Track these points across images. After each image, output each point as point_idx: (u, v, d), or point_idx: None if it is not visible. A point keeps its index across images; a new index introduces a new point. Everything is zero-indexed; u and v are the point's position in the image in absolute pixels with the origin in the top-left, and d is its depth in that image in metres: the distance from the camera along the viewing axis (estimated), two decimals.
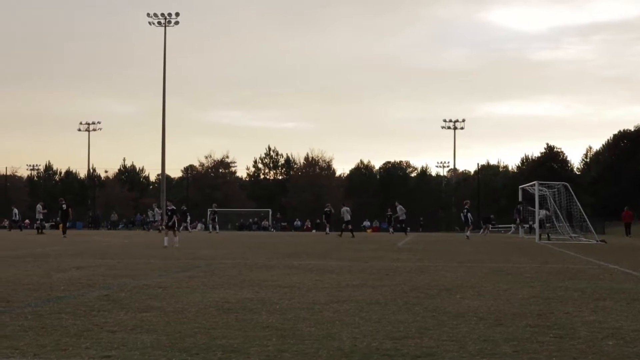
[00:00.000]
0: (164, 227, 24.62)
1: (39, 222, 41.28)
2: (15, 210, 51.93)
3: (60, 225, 40.67)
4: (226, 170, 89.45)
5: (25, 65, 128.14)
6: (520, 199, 40.11)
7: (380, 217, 74.50)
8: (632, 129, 78.60)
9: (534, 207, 34.23)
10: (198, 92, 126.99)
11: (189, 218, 63.03)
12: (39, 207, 41.48)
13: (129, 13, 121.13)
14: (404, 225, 43.97)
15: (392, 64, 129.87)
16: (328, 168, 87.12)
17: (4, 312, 7.41)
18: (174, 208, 23.50)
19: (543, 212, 35.53)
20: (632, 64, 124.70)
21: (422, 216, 69.70)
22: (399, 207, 42.74)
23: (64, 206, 36.51)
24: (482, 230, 48.93)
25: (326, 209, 43.93)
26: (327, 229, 44.11)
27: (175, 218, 23.04)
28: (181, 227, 48.26)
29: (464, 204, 37.49)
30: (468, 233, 35.05)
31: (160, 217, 47.26)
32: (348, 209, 39.19)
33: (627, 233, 43.53)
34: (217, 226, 48.92)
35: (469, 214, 36.49)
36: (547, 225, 35.06)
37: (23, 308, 7.66)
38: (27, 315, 7.15)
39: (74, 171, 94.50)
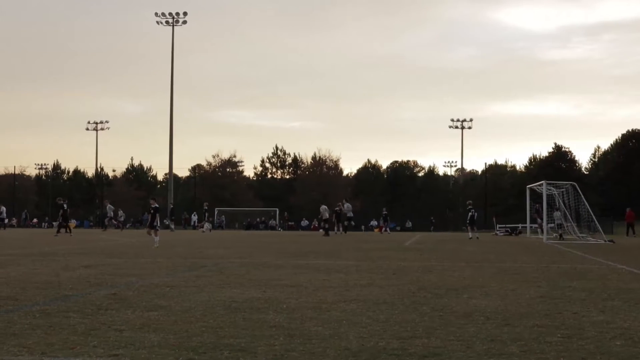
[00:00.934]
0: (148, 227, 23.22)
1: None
2: (3, 209, 51.03)
3: (71, 225, 40.85)
4: (233, 170, 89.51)
5: (33, 64, 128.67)
6: (528, 199, 39.99)
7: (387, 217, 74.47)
8: None
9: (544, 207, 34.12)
10: (206, 91, 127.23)
11: (195, 217, 63.20)
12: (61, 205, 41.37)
13: (137, 12, 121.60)
14: (351, 223, 43.07)
15: (400, 63, 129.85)
16: (335, 167, 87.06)
17: (12, 310, 7.44)
18: (157, 206, 22.63)
19: (559, 213, 35.91)
20: None
21: (433, 216, 69.59)
22: (347, 205, 42.16)
23: (65, 205, 36.48)
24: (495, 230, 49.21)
25: (337, 209, 44.34)
26: (340, 228, 44.14)
27: (157, 217, 22.12)
28: (173, 226, 48.08)
29: (468, 204, 36.98)
30: (477, 234, 34.84)
31: (113, 214, 46.37)
32: (326, 207, 40.42)
33: (628, 233, 43.34)
34: (208, 225, 48.53)
35: (476, 214, 36.13)
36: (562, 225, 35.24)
37: (31, 307, 7.69)
38: (35, 313, 7.18)
39: (81, 170, 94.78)
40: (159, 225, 22.47)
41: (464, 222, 71.46)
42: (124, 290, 9.39)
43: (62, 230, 35.48)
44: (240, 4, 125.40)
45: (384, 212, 48.32)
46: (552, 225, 36.66)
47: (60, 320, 6.77)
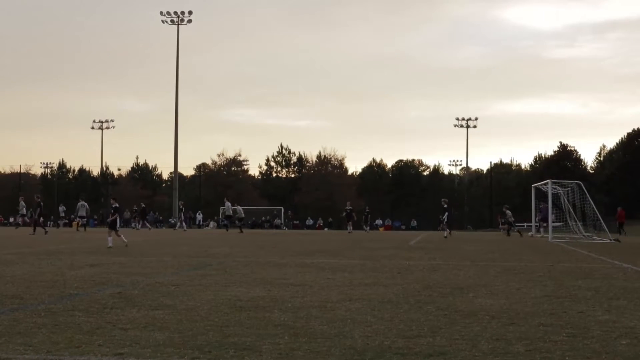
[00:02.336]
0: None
1: (83, 219, 41.30)
2: None
3: (76, 223, 40.76)
4: (238, 169, 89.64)
5: (39, 63, 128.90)
6: (533, 198, 39.94)
7: (392, 216, 74.50)
8: None
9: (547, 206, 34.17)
10: (211, 90, 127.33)
11: (200, 216, 63.14)
12: (81, 203, 41.36)
13: (142, 11, 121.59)
14: (224, 222, 44.46)
15: (405, 62, 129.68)
16: (340, 166, 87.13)
17: (17, 309, 7.46)
18: (117, 206, 21.79)
19: (509, 212, 38.95)
20: None
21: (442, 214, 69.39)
22: (228, 205, 43.79)
23: (42, 203, 36.21)
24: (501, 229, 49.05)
25: (347, 208, 44.67)
26: (349, 228, 44.18)
27: (117, 216, 21.22)
28: (140, 224, 47.63)
29: (443, 202, 35.64)
30: (446, 233, 34.49)
31: (25, 211, 44.78)
32: (229, 205, 43.03)
33: (621, 232, 43.20)
34: (185, 224, 48.25)
35: (446, 213, 34.80)
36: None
37: (36, 305, 7.70)
38: (41, 312, 7.19)
39: (87, 169, 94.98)
40: (119, 225, 21.46)
41: (469, 221, 71.57)
42: (129, 289, 9.40)
43: (38, 227, 34.52)
44: (245, 3, 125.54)
45: (366, 211, 47.91)
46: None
47: (66, 319, 6.79)
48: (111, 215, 21.56)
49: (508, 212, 39.84)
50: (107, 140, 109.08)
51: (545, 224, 39.25)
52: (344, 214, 45.87)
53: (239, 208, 44.62)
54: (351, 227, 44.01)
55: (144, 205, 50.14)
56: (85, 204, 41.12)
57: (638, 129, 79.32)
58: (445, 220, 34.86)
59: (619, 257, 17.58)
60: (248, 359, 5.13)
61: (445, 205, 35.02)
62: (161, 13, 69.93)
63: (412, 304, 8.09)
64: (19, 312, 7.20)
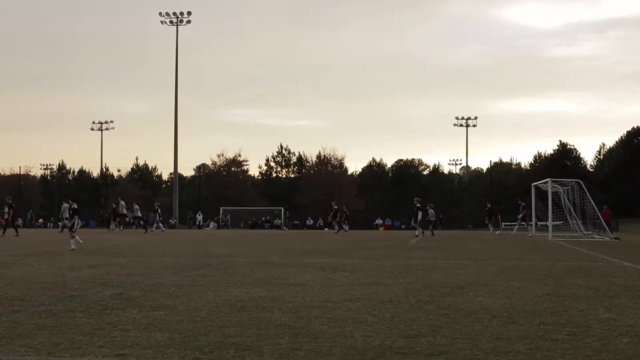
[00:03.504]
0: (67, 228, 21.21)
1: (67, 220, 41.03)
2: None
3: (70, 224, 40.36)
4: (238, 169, 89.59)
5: (38, 65, 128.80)
6: (533, 196, 39.92)
7: (392, 215, 74.51)
8: None
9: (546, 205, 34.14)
10: (210, 90, 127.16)
11: (200, 216, 62.97)
12: (65, 205, 41.01)
13: (141, 12, 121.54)
14: (126, 220, 45.83)
15: (405, 61, 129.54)
16: (340, 166, 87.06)
17: (18, 310, 7.46)
18: (76, 207, 21.58)
19: (432, 211, 38.89)
20: None
21: (442, 214, 69.34)
22: (122, 204, 45.04)
23: (14, 205, 35.54)
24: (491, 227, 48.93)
25: (334, 208, 44.19)
26: (347, 227, 44.02)
27: (76, 218, 20.86)
28: (113, 225, 47.20)
29: (415, 202, 34.71)
30: (417, 232, 34.29)
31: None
32: (123, 204, 44.63)
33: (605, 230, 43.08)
34: (161, 225, 47.86)
35: (419, 212, 34.20)
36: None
37: (37, 307, 7.70)
38: (41, 313, 7.19)
39: (87, 170, 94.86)
40: (77, 227, 21.06)
41: (469, 220, 71.52)
42: (130, 289, 9.40)
43: (9, 229, 33.67)
44: (244, 3, 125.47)
45: (345, 210, 46.94)
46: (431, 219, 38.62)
47: (66, 320, 6.79)
48: (70, 216, 21.45)
49: (431, 211, 39.50)
50: (106, 141, 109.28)
51: (525, 223, 39.55)
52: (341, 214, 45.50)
53: (136, 207, 45.54)
54: (348, 227, 43.90)
55: (114, 206, 49.83)
56: (67, 205, 40.80)
57: (638, 127, 79.28)
58: (419, 219, 34.38)
59: (619, 256, 17.58)
60: (249, 359, 5.14)
61: (418, 205, 34.38)
62: (160, 14, 69.95)
63: (412, 303, 8.09)
64: (20, 314, 7.20)
